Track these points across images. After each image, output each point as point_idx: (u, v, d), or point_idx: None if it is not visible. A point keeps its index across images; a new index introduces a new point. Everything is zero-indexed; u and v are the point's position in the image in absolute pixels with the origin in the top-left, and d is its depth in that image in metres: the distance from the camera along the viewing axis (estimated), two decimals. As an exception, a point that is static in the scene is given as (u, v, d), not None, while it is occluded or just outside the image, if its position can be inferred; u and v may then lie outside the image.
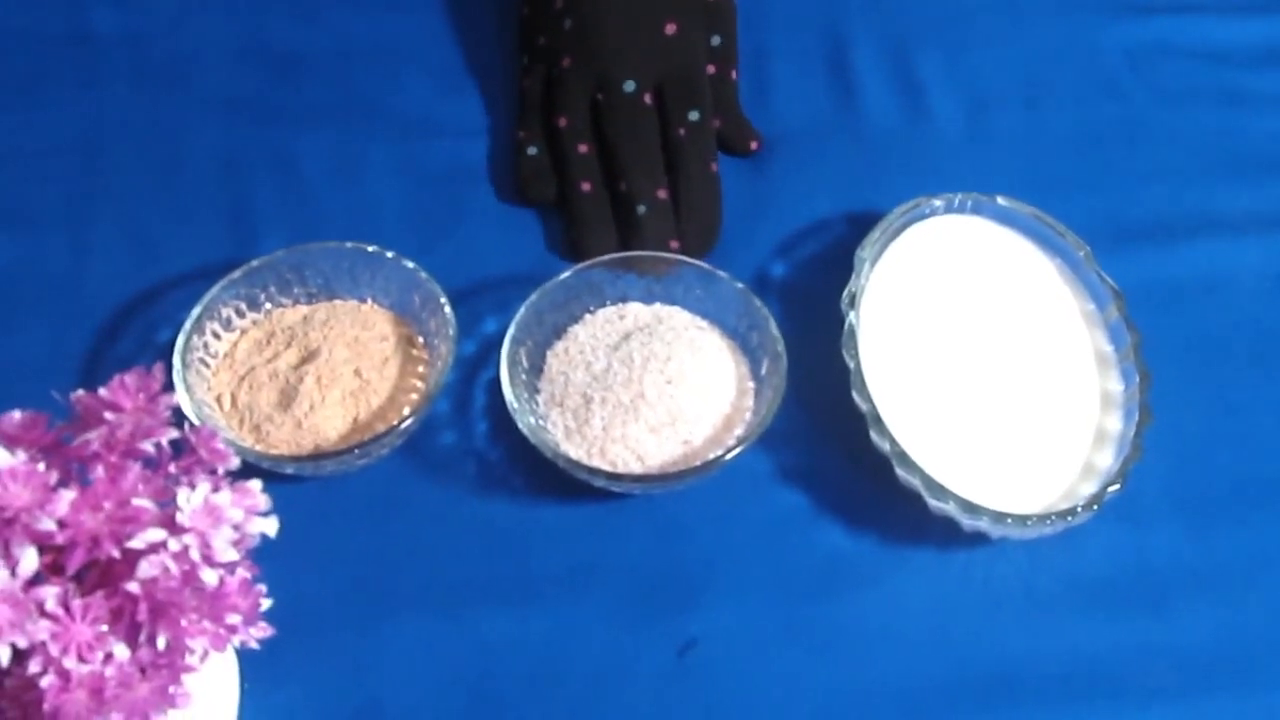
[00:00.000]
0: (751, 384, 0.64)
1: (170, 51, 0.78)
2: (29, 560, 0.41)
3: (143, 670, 0.43)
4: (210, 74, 0.77)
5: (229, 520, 0.43)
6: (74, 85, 0.77)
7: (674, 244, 0.68)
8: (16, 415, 0.44)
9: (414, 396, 0.63)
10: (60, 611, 0.41)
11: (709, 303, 0.65)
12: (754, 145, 0.74)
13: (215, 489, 0.43)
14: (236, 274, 0.64)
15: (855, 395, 0.61)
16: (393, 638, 0.58)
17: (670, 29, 0.74)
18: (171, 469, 0.44)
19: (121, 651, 0.42)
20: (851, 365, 0.61)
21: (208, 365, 0.63)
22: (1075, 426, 0.62)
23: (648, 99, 0.72)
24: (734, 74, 0.76)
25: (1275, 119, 0.77)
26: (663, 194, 0.70)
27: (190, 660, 0.43)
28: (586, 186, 0.70)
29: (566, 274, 0.65)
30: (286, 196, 0.72)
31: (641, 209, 0.69)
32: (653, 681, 0.58)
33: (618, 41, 0.73)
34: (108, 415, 0.43)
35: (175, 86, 0.77)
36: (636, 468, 0.61)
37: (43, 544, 0.41)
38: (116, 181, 0.73)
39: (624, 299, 0.66)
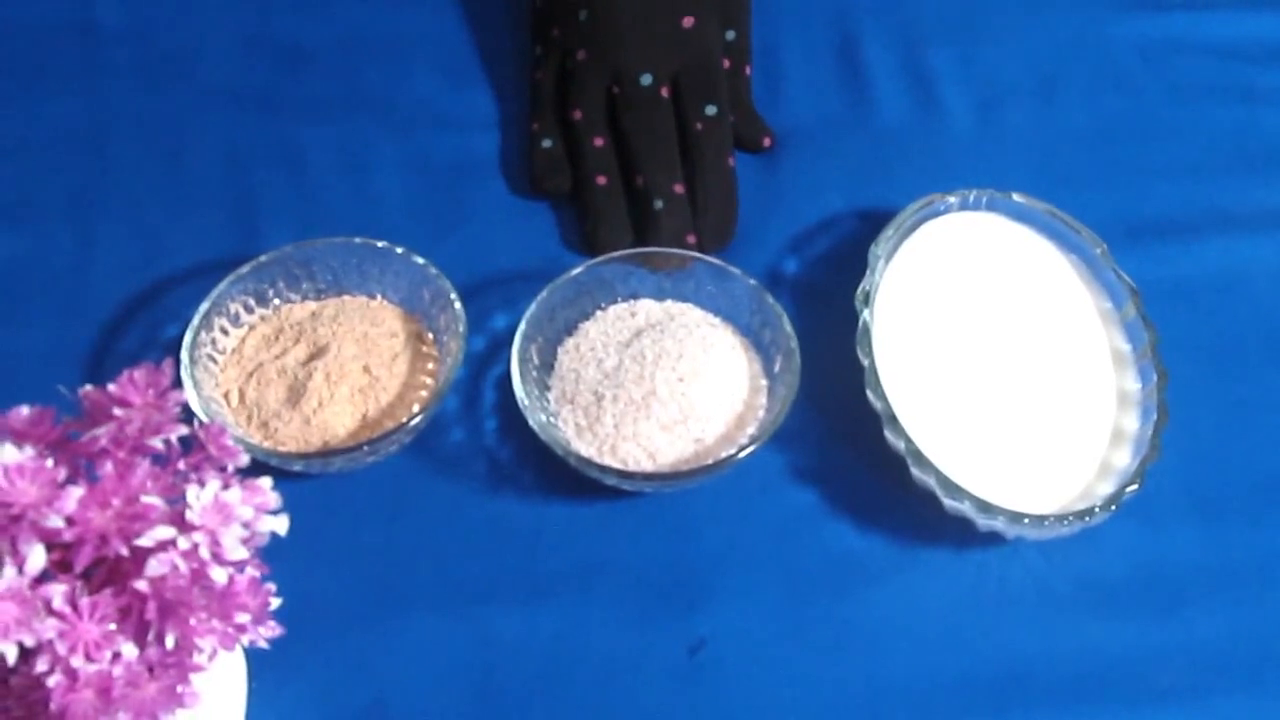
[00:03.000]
0: (764, 382, 0.63)
1: (176, 44, 0.78)
2: (36, 558, 0.40)
3: (151, 669, 0.42)
4: (216, 67, 0.77)
5: (239, 518, 0.42)
6: (79, 78, 0.76)
7: (691, 239, 0.68)
8: (24, 410, 0.43)
9: (423, 393, 0.62)
10: (68, 610, 0.41)
11: (721, 299, 0.65)
12: (767, 141, 0.73)
13: (225, 486, 0.42)
14: (244, 269, 0.64)
15: (869, 394, 0.60)
16: (401, 636, 0.58)
17: (687, 22, 0.73)
18: (180, 466, 0.44)
19: (129, 650, 0.41)
20: (866, 363, 0.61)
21: (215, 361, 0.63)
22: (1092, 425, 0.62)
23: (664, 93, 0.72)
24: (747, 69, 0.76)
25: (1290, 115, 0.77)
26: (679, 189, 0.69)
27: (199, 659, 0.43)
28: (602, 180, 0.70)
29: (578, 270, 0.64)
30: (293, 190, 0.72)
31: (659, 204, 0.68)
32: (663, 680, 0.57)
33: (634, 34, 0.72)
34: (116, 411, 0.43)
35: (181, 79, 0.76)
36: (648, 466, 0.60)
37: (50, 541, 0.41)
38: (121, 175, 0.72)
39: (636, 295, 0.66)
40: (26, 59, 0.77)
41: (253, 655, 0.55)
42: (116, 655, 0.41)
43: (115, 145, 0.73)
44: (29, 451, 0.41)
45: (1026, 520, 0.57)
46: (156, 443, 0.43)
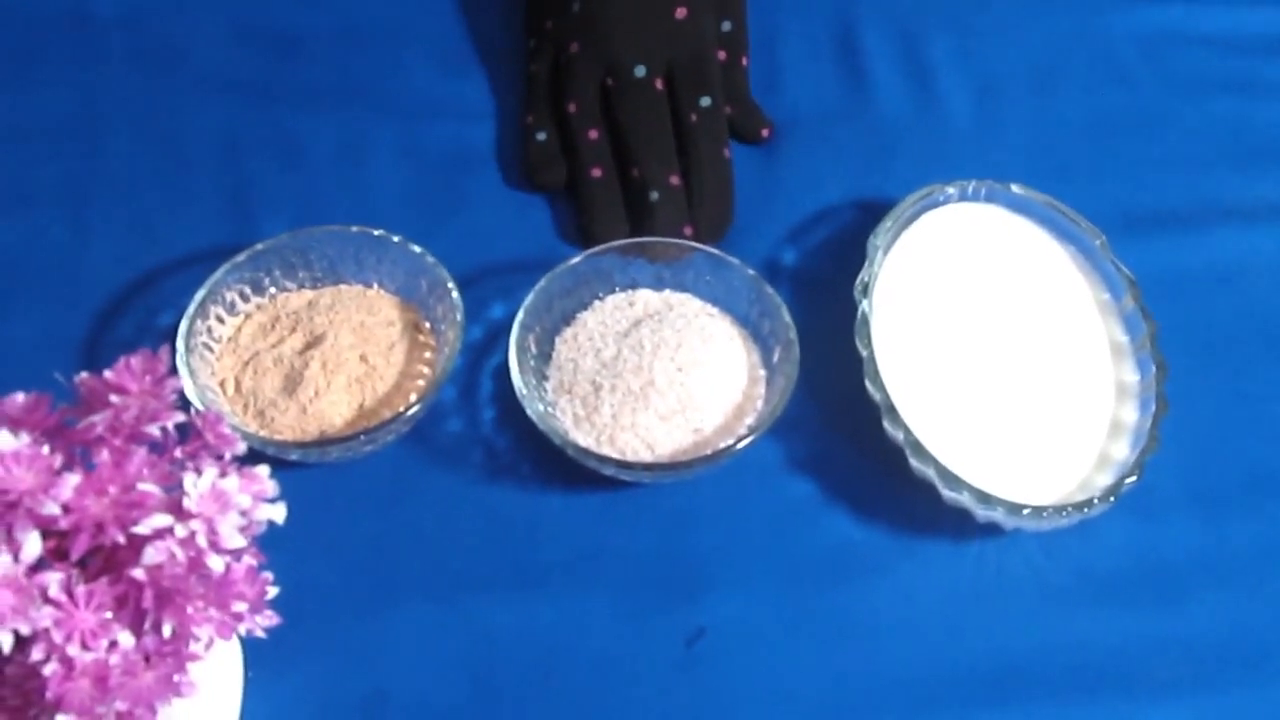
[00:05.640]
0: (763, 372, 0.63)
1: (170, 32, 0.78)
2: (32, 545, 0.40)
3: (147, 658, 0.42)
4: (211, 55, 0.77)
5: (236, 506, 0.42)
6: (73, 66, 0.76)
7: (687, 230, 0.68)
8: (19, 397, 0.43)
9: (420, 383, 0.62)
10: (64, 598, 0.40)
11: (720, 289, 0.65)
12: (765, 132, 0.73)
13: (222, 474, 0.42)
14: (240, 257, 0.63)
15: (868, 384, 0.60)
16: (398, 626, 0.58)
17: (681, 13, 0.73)
18: (177, 453, 0.43)
19: (126, 639, 0.41)
20: (865, 354, 0.60)
21: (211, 350, 0.63)
22: (1091, 417, 0.62)
23: (658, 84, 0.72)
24: (744, 60, 0.75)
25: (1288, 108, 0.77)
26: (675, 180, 0.69)
27: (195, 648, 0.43)
28: (597, 172, 0.69)
29: (576, 260, 0.64)
30: (288, 179, 0.71)
31: (654, 195, 0.68)
32: (660, 671, 0.57)
33: (627, 26, 0.72)
34: (113, 398, 0.42)
35: (175, 67, 0.76)
36: (646, 456, 0.60)
37: (46, 529, 0.40)
38: (116, 163, 0.72)
39: (634, 285, 0.65)
40: (20, 47, 0.77)
41: (249, 645, 0.55)
42: (113, 644, 0.41)
43: (110, 133, 0.73)
44: (25, 438, 0.41)
45: (1025, 511, 0.57)
46: (153, 430, 0.43)
